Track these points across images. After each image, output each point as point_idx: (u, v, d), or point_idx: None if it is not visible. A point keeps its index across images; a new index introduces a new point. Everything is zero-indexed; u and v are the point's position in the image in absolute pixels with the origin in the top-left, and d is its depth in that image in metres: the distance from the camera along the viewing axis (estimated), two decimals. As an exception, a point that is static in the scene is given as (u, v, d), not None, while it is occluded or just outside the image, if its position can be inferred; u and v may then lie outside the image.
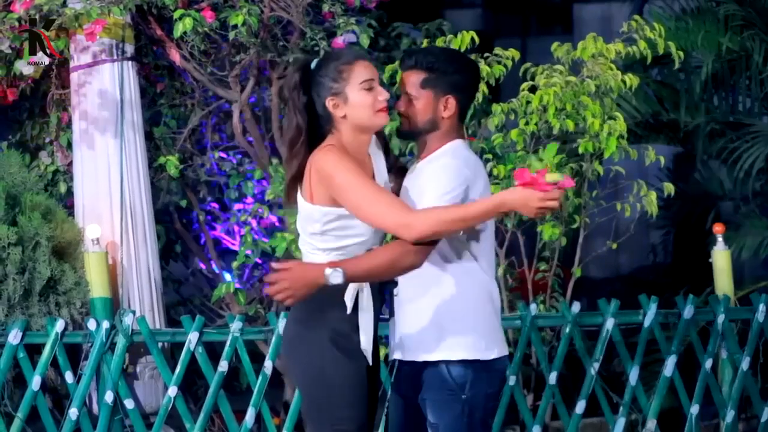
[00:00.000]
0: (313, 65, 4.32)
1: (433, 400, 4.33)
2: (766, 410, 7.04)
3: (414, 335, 4.35)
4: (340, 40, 7.02)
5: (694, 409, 6.89)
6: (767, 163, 8.62)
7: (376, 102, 4.29)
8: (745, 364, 6.95)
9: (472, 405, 4.30)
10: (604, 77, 6.88)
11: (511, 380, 6.66)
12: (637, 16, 7.14)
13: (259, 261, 7.52)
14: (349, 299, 4.29)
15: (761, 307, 6.99)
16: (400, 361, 4.43)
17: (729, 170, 8.98)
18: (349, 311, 4.29)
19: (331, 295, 4.27)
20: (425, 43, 7.26)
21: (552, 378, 6.73)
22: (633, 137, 8.20)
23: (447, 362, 4.30)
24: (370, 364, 4.33)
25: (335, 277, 4.16)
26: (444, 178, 4.27)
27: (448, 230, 4.19)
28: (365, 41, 7.04)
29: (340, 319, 4.29)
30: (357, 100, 4.27)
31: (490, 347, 4.33)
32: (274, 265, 4.22)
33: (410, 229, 4.14)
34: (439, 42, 7.00)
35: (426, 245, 4.20)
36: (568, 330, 6.76)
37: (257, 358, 6.72)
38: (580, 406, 6.79)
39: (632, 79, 6.94)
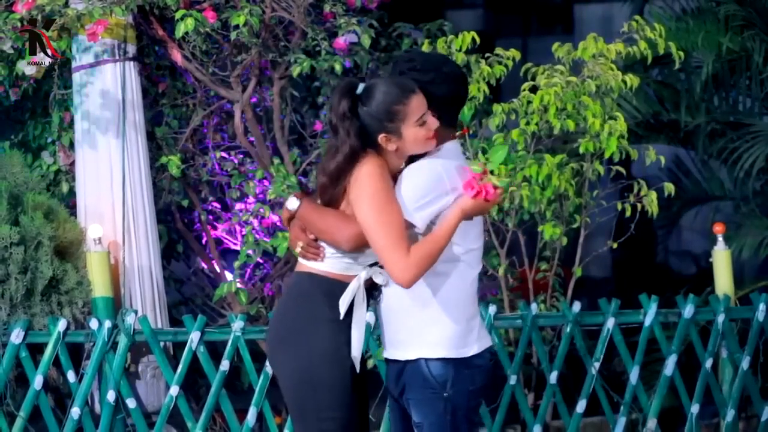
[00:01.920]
0: (359, 90, 4.26)
1: (416, 399, 4.35)
2: (766, 409, 7.05)
3: (393, 334, 4.38)
4: (341, 41, 7.04)
5: (695, 409, 6.91)
6: (767, 162, 8.63)
7: (428, 133, 4.28)
8: (745, 364, 6.96)
9: (454, 403, 4.32)
10: (604, 77, 6.90)
11: (512, 379, 6.68)
12: (637, 17, 7.15)
13: (261, 261, 7.54)
14: (343, 305, 4.32)
15: (761, 306, 7.01)
16: (387, 360, 4.46)
17: (729, 170, 8.99)
18: (342, 316, 4.31)
19: (323, 297, 4.31)
20: (426, 43, 7.27)
21: (553, 377, 6.75)
22: (633, 137, 8.21)
23: (426, 360, 4.32)
24: (358, 371, 4.35)
25: (292, 203, 4.36)
26: (422, 181, 4.28)
27: (432, 264, 4.24)
28: (366, 41, 7.05)
29: (329, 321, 4.31)
30: (411, 137, 4.27)
31: (469, 344, 4.35)
32: None
33: (401, 277, 4.20)
34: (440, 43, 7.01)
35: (360, 240, 4.25)
36: (568, 329, 6.77)
37: (259, 358, 6.74)
38: (581, 406, 6.80)
39: (633, 79, 6.95)
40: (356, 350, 4.33)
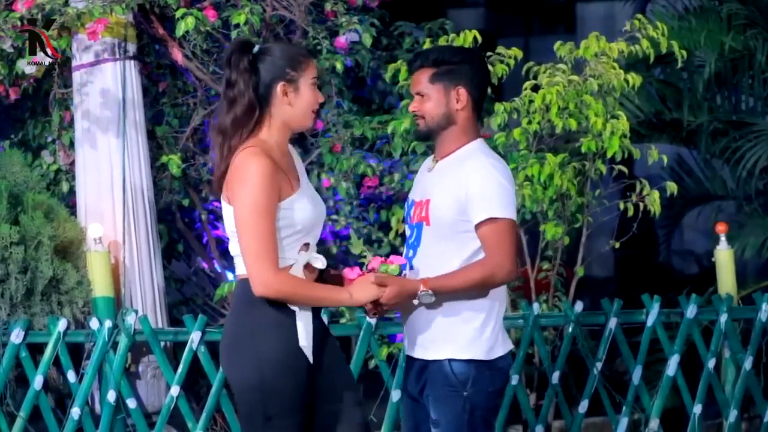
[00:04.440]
0: (256, 49, 4.29)
1: (435, 396, 4.37)
2: (769, 410, 7.04)
3: (423, 333, 4.39)
4: (342, 39, 7.03)
5: (697, 409, 6.89)
6: (770, 162, 8.62)
7: (316, 102, 4.34)
8: (747, 364, 6.95)
9: (473, 402, 4.33)
10: (606, 76, 6.88)
11: (514, 379, 6.66)
12: (639, 15, 7.14)
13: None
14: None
15: (764, 306, 6.99)
16: (410, 357, 4.47)
17: (732, 169, 8.97)
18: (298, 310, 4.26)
19: (265, 300, 4.23)
20: (427, 42, 7.26)
21: (555, 377, 6.73)
22: (636, 136, 8.19)
23: (450, 360, 4.34)
24: (311, 362, 4.26)
25: (426, 298, 4.26)
26: (499, 199, 4.30)
27: (291, 302, 4.20)
28: (367, 40, 7.04)
29: (276, 326, 4.22)
30: (306, 94, 4.29)
31: (495, 346, 4.37)
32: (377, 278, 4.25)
33: (262, 286, 4.16)
34: (442, 41, 7.01)
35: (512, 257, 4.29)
36: (570, 329, 6.76)
37: (259, 358, 6.71)
38: (583, 406, 6.79)
39: (635, 78, 6.93)
40: (304, 339, 4.23)
